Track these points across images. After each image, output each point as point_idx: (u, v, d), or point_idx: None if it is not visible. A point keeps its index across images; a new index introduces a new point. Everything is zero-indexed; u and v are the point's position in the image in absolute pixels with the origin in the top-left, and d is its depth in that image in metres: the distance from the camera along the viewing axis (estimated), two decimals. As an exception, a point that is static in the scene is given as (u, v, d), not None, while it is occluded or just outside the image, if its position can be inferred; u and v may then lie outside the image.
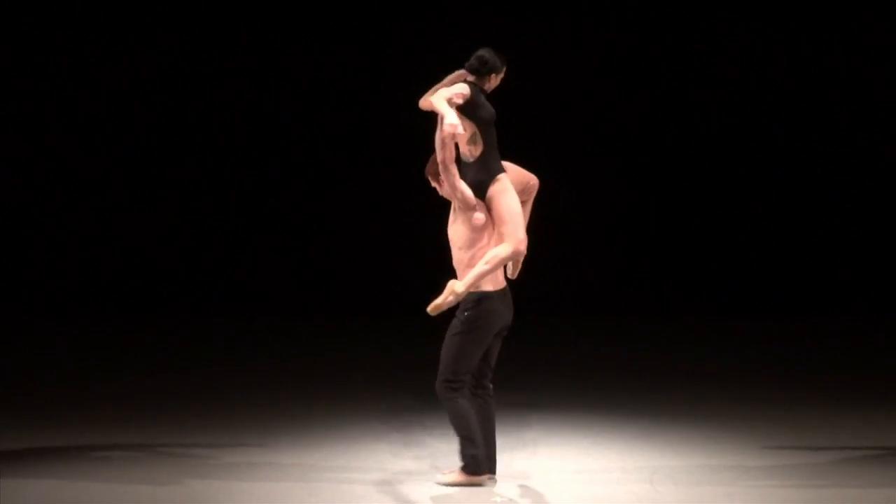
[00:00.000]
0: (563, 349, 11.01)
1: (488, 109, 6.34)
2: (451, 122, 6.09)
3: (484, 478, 6.37)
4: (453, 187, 6.25)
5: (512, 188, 6.28)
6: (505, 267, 6.37)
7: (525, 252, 6.27)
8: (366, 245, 13.05)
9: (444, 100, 6.18)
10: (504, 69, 6.38)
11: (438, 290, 6.28)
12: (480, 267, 6.18)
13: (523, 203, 6.44)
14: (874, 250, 12.89)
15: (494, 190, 6.24)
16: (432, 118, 6.31)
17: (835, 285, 12.89)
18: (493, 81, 6.38)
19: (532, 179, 6.48)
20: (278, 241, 13.18)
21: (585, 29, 12.80)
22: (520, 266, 6.49)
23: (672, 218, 13.11)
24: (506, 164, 6.41)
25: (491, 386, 6.46)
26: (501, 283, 6.35)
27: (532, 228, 6.44)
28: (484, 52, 6.35)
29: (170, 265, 13.11)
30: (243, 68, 12.97)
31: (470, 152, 6.32)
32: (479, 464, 6.32)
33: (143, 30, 12.79)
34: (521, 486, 6.41)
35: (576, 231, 12.22)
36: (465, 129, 6.17)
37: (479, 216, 6.22)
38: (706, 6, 12.74)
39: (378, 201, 12.97)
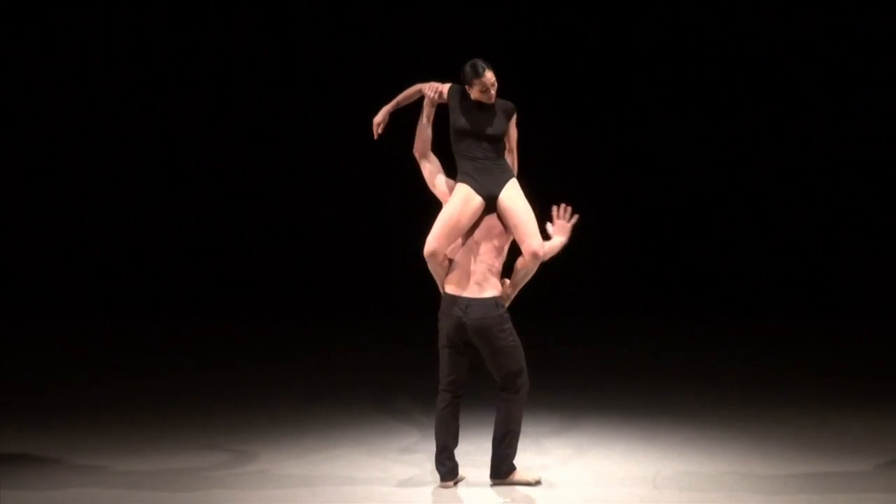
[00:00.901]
0: (564, 350, 10.99)
1: (458, 118, 6.32)
2: (375, 118, 6.39)
3: (448, 483, 6.46)
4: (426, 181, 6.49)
5: (459, 196, 6.29)
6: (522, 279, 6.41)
7: (428, 257, 6.25)
8: (366, 246, 13.04)
9: (417, 89, 6.38)
10: (478, 81, 6.22)
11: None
12: None
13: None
14: (877, 251, 12.87)
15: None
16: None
17: (837, 286, 12.87)
18: (473, 93, 6.29)
19: (532, 248, 6.24)
20: (277, 242, 13.17)
21: (583, 20, 12.79)
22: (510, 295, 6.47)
23: (673, 218, 13.10)
24: (516, 211, 6.29)
25: (503, 393, 6.39)
26: (455, 290, 6.33)
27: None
28: (472, 61, 6.30)
29: (170, 266, 13.10)
30: (243, 66, 12.97)
31: None
32: (441, 474, 6.45)
33: (139, 28, 12.77)
34: (523, 489, 6.39)
35: (575, 231, 12.19)
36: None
37: None
38: (714, 8, 12.73)
39: (378, 201, 12.96)
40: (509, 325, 6.32)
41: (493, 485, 6.44)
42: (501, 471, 6.44)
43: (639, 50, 12.86)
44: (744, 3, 12.63)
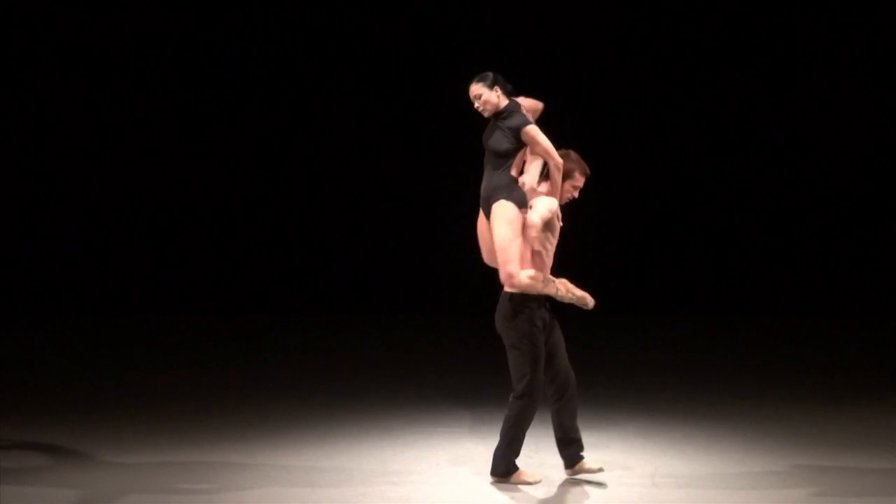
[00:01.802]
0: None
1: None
2: None
3: (568, 471, 6.59)
4: None
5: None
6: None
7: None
8: (372, 242, 13.04)
9: None
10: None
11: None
12: None
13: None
14: (878, 249, 12.86)
15: None
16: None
17: (839, 285, 12.85)
18: None
19: (502, 277, 6.29)
20: (282, 237, 13.17)
21: (595, 21, 12.79)
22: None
23: (675, 215, 13.09)
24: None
25: (511, 394, 6.44)
26: None
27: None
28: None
29: (170, 263, 13.09)
30: (243, 65, 12.98)
31: None
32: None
33: (141, 26, 12.79)
34: (522, 486, 6.40)
35: (577, 229, 12.20)
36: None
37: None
38: (713, 6, 12.74)
39: (388, 199, 12.97)
40: (519, 323, 6.30)
41: (494, 483, 6.45)
42: (500, 471, 6.45)
43: (643, 47, 12.85)
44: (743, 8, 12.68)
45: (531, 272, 6.27)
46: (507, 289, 6.31)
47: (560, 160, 6.38)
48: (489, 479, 6.48)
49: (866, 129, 12.78)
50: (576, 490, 6.35)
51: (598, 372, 9.90)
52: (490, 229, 6.31)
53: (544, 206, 6.28)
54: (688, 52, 12.83)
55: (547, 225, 6.28)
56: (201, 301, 12.94)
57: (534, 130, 6.33)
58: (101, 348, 11.09)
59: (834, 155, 12.85)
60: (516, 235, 6.24)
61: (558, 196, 6.42)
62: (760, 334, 11.80)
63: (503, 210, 6.27)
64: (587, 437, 7.48)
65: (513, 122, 6.34)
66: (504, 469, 6.44)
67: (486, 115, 6.39)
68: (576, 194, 6.53)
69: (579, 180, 6.51)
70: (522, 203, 6.28)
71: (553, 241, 6.36)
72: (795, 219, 13.01)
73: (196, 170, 13.03)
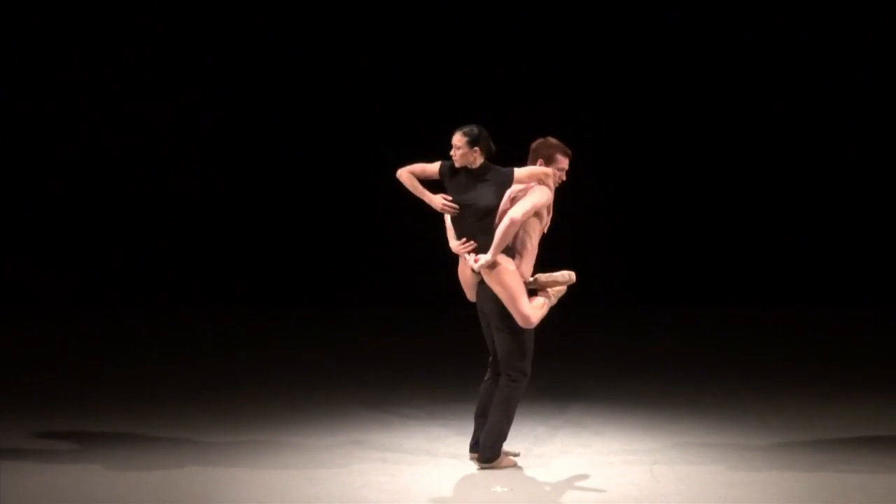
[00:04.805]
0: (563, 339, 10.99)
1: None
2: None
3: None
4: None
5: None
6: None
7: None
8: (365, 237, 13.06)
9: None
10: None
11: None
12: None
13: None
14: (878, 243, 12.89)
15: None
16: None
17: (837, 276, 12.88)
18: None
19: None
20: (282, 231, 13.19)
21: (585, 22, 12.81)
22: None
23: (673, 207, 13.11)
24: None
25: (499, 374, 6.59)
26: None
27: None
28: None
29: (168, 257, 13.10)
30: (249, 68, 13.01)
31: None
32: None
33: (146, 28, 12.81)
34: (522, 475, 6.41)
35: (574, 221, 12.22)
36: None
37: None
38: (710, 8, 12.74)
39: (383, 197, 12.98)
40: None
41: (483, 467, 6.57)
42: (492, 456, 6.57)
43: (644, 43, 12.89)
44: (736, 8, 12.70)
45: (538, 304, 6.40)
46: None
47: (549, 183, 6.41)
48: (486, 469, 6.50)
49: (859, 125, 12.83)
50: (575, 482, 6.35)
51: (598, 363, 9.91)
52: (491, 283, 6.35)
53: (529, 202, 6.32)
54: (692, 50, 12.88)
55: (536, 213, 6.34)
56: (194, 294, 12.95)
57: (520, 170, 6.43)
58: (97, 346, 11.09)
59: (835, 152, 12.89)
60: (518, 283, 6.31)
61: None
62: (759, 325, 11.81)
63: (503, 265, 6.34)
64: (587, 427, 7.52)
65: (498, 176, 6.39)
66: (496, 454, 6.51)
67: (456, 164, 6.40)
68: (564, 177, 6.56)
69: (563, 162, 6.55)
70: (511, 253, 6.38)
71: (539, 231, 6.42)
72: (795, 211, 13.03)
73: (186, 167, 13.05)
